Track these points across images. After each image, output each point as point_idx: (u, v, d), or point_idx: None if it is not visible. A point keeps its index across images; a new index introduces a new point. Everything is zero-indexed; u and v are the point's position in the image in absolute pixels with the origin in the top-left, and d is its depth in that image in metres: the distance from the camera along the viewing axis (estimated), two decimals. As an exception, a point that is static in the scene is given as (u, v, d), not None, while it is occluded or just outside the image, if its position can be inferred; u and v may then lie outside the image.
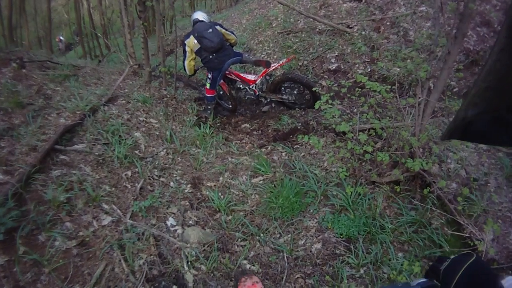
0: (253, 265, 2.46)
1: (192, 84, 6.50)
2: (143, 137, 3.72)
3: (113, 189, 2.81)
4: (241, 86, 4.86)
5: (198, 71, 4.89)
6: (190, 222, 2.78)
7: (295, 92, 4.70)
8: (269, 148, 3.88)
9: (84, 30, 14.99)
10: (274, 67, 4.52)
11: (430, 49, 4.40)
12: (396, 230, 2.71)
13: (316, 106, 3.04)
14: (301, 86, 4.58)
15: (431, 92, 2.90)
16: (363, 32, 5.23)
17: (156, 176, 3.21)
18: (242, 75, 4.76)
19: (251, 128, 4.44)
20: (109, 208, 2.61)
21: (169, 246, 2.47)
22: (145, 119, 4.16)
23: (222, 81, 4.69)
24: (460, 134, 0.64)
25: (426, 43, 4.83)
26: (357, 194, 2.92)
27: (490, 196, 2.86)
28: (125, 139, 3.53)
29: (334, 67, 5.10)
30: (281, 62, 4.53)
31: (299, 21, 6.25)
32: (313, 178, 3.23)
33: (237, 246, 2.64)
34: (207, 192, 3.14)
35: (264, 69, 4.55)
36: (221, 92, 4.96)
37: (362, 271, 2.44)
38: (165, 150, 3.65)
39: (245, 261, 2.49)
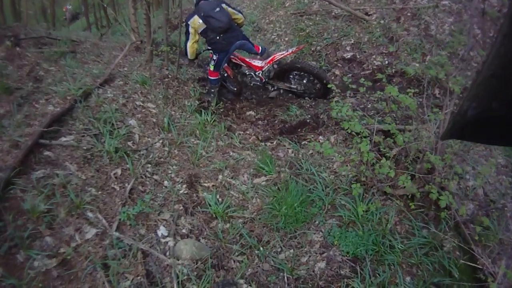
0: (250, 285, 2.22)
1: (197, 61, 6.07)
2: (138, 125, 3.42)
3: (100, 192, 2.56)
4: (246, 71, 4.46)
5: (200, 54, 4.49)
6: (184, 231, 2.54)
7: (305, 81, 4.30)
8: (274, 142, 3.53)
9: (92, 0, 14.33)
10: (283, 55, 4.12)
11: (452, 47, 3.96)
12: (406, 251, 2.41)
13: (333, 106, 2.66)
14: (311, 76, 4.15)
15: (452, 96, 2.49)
16: (382, 21, 4.75)
17: (149, 173, 2.94)
18: (248, 60, 4.34)
19: (257, 117, 4.06)
20: (94, 217, 2.38)
21: (158, 263, 2.25)
22: (142, 104, 3.84)
23: (226, 64, 4.29)
24: (460, 134, 0.63)
25: (447, 40, 4.34)
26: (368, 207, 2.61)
27: (507, 224, 2.55)
28: (118, 128, 3.25)
29: (349, 56, 4.68)
30: (290, 50, 4.12)
31: (313, 3, 5.80)
32: (320, 183, 2.92)
33: (234, 261, 2.40)
34: (204, 194, 2.87)
35: (272, 56, 4.15)
36: (225, 75, 4.57)
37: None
38: (161, 141, 3.36)
39: (241, 280, 2.26)
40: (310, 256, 2.42)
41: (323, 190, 2.87)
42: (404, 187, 2.60)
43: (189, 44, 4.01)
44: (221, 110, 4.21)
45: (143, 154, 3.10)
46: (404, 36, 4.60)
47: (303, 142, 3.46)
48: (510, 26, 0.48)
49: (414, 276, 2.32)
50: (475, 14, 4.57)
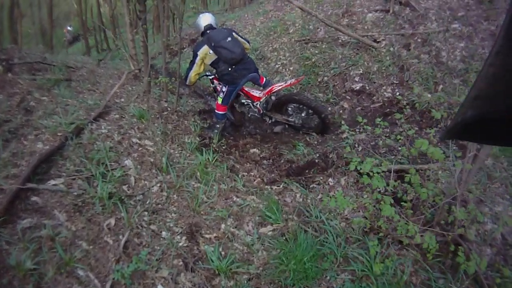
0: None
1: (198, 91, 5.95)
2: (134, 166, 3.19)
3: (91, 247, 2.29)
4: (244, 101, 4.33)
5: (199, 80, 4.35)
6: (183, 291, 2.27)
7: (303, 114, 4.17)
8: (281, 186, 3.33)
9: (92, 23, 14.31)
10: (281, 86, 3.97)
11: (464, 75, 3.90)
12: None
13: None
14: (310, 110, 4.03)
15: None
16: (391, 49, 4.63)
17: (146, 223, 2.68)
18: (246, 89, 4.21)
19: (261, 156, 3.88)
20: (85, 275, 2.10)
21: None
22: (138, 141, 3.63)
23: None
24: (460, 134, 0.62)
25: (459, 67, 4.30)
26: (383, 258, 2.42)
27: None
28: (113, 169, 3.01)
29: (358, 87, 4.49)
30: (289, 82, 3.99)
31: (319, 29, 5.59)
32: (331, 232, 2.71)
33: (239, 331, 2.13)
34: (206, 247, 2.62)
35: (270, 87, 4.02)
36: None
37: None
38: (159, 185, 3.12)
39: None
40: (324, 325, 2.17)
41: (334, 241, 2.66)
42: (422, 235, 2.43)
43: (191, 74, 3.87)
44: (224, 147, 4.02)
45: (139, 200, 2.86)
46: (415, 65, 4.47)
47: (311, 185, 3.27)
48: (510, 27, 0.47)
49: None
50: (486, 37, 4.51)
